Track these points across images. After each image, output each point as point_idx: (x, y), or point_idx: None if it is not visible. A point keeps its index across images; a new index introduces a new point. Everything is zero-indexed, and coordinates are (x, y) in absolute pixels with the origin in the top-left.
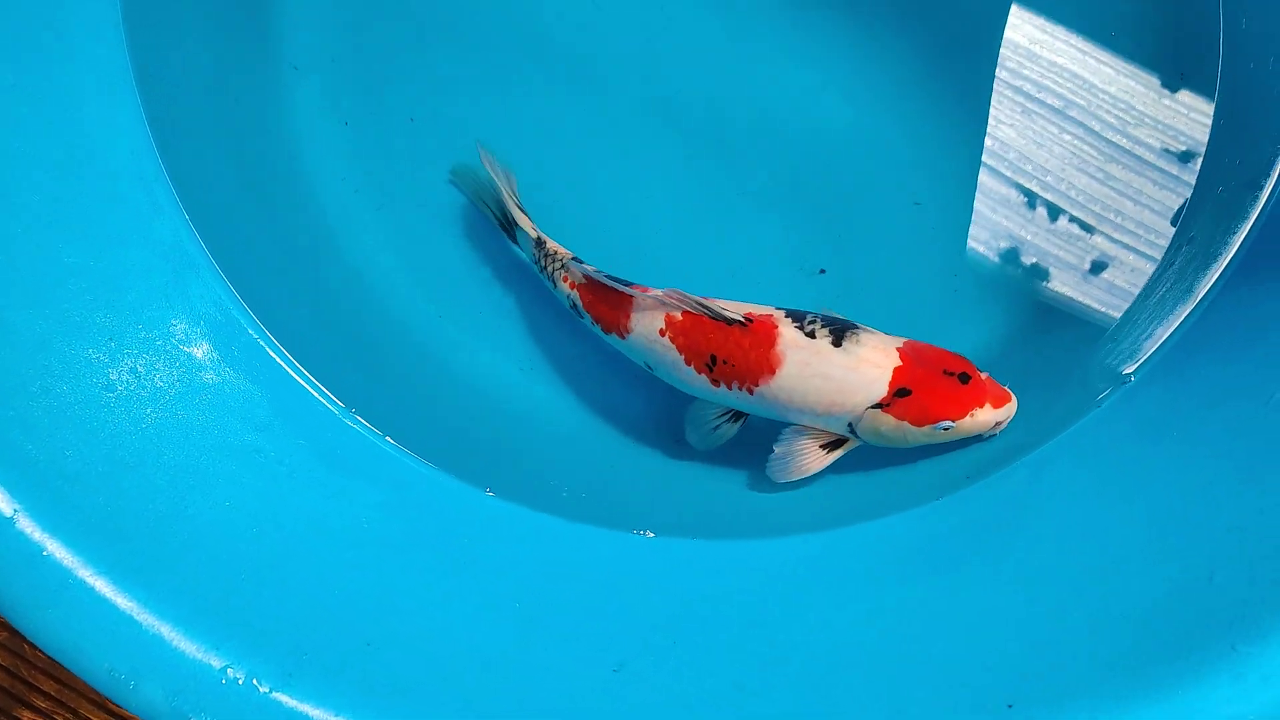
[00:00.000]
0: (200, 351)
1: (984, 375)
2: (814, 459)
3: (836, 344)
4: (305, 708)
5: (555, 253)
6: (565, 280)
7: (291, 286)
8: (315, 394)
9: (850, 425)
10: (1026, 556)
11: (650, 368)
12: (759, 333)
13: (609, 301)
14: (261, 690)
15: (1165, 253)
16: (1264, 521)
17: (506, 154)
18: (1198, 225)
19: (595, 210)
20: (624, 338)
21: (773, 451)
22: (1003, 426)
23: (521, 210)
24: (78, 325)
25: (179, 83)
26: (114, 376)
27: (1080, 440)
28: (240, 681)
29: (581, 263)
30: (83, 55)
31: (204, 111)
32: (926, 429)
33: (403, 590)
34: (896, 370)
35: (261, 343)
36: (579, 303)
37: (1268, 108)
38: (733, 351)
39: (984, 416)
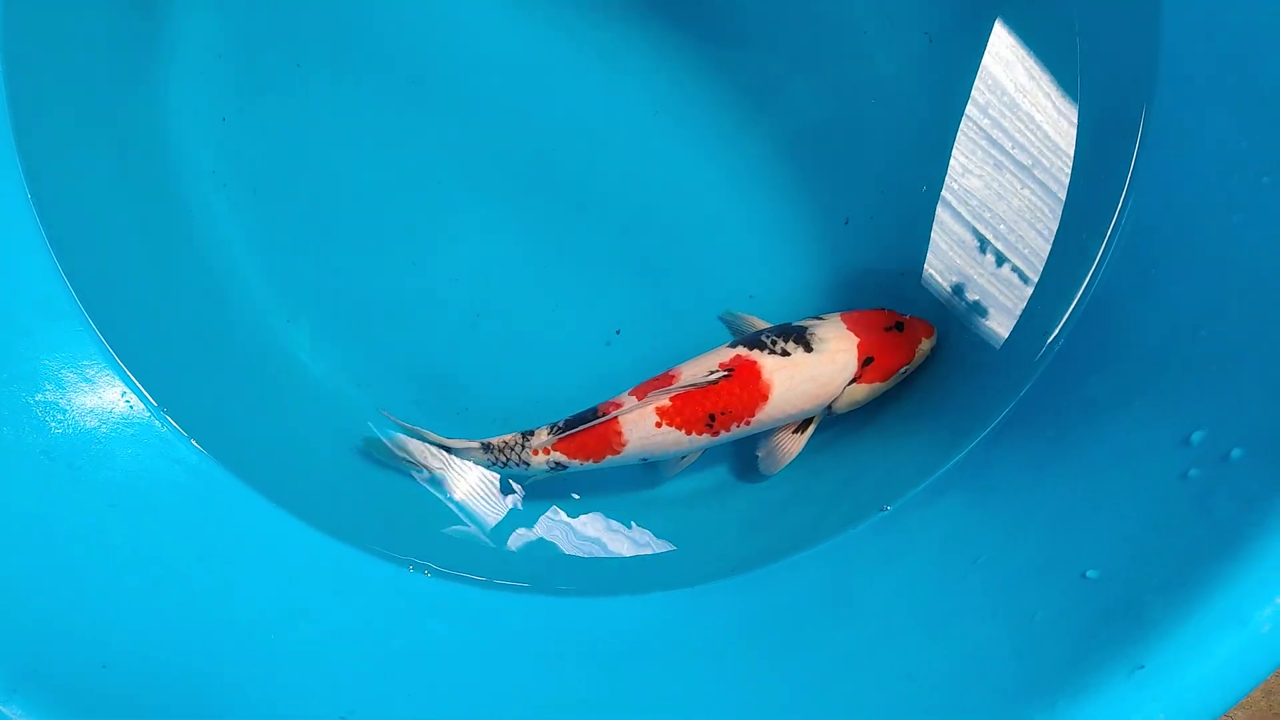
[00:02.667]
0: (17, 332)
1: (906, 316)
2: (794, 444)
3: (808, 349)
4: None
5: (506, 443)
6: (536, 454)
7: (135, 276)
8: (124, 384)
9: (830, 407)
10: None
11: (646, 460)
12: (744, 374)
13: (590, 436)
14: None
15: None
16: (935, 673)
17: (373, 182)
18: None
19: (449, 249)
20: (619, 453)
21: (757, 457)
22: (935, 347)
23: (447, 439)
24: None
25: (49, 61)
26: None
27: (834, 554)
28: None
29: (533, 433)
30: None
31: (71, 90)
32: (890, 381)
33: (150, 608)
34: (859, 346)
35: (80, 326)
36: (563, 459)
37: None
38: (728, 402)
39: (924, 348)
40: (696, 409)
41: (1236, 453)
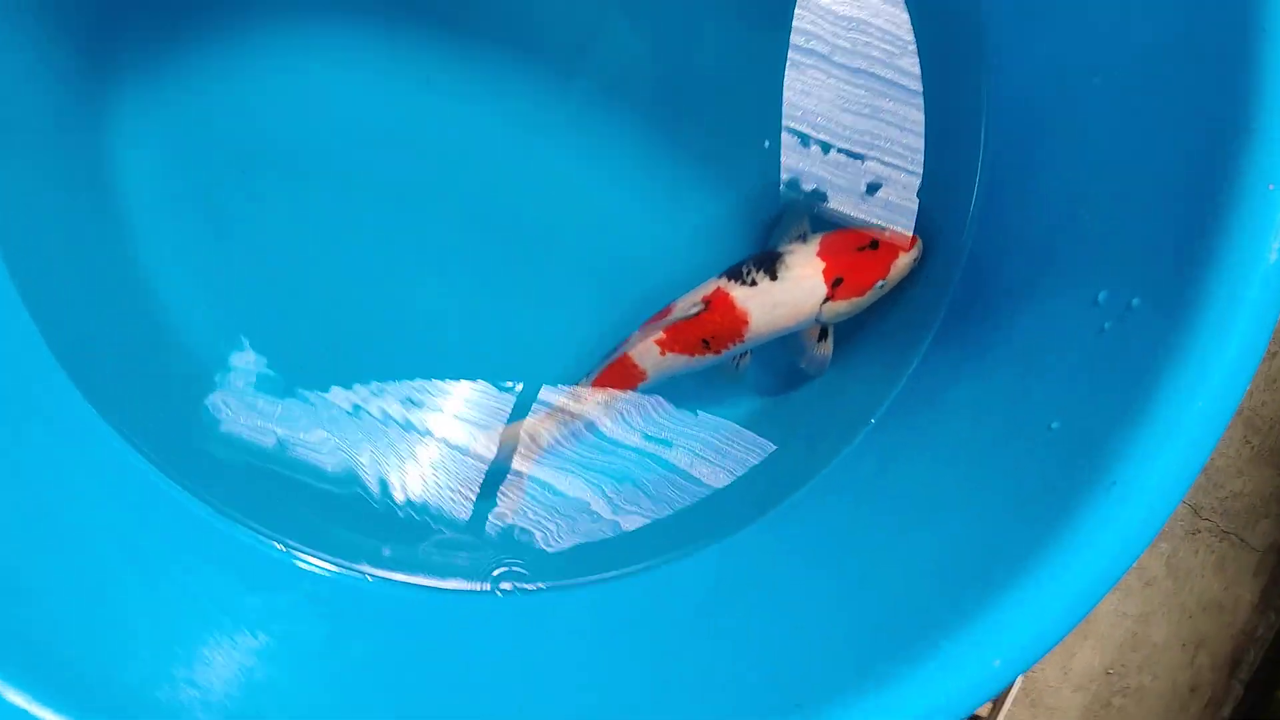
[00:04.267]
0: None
1: (886, 234)
2: (824, 349)
3: (774, 278)
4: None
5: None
6: (583, 403)
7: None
8: (118, 444)
9: (818, 319)
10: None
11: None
12: (720, 306)
13: (615, 374)
14: None
15: None
16: (948, 545)
17: (331, 265)
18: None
19: (402, 298)
20: (649, 379)
21: (799, 364)
22: (918, 259)
23: (525, 452)
24: None
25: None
26: None
27: (833, 478)
28: None
29: (574, 386)
30: None
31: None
32: (869, 294)
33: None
34: (824, 270)
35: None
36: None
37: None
38: (713, 330)
39: (903, 263)
40: (690, 336)
41: (1136, 301)
